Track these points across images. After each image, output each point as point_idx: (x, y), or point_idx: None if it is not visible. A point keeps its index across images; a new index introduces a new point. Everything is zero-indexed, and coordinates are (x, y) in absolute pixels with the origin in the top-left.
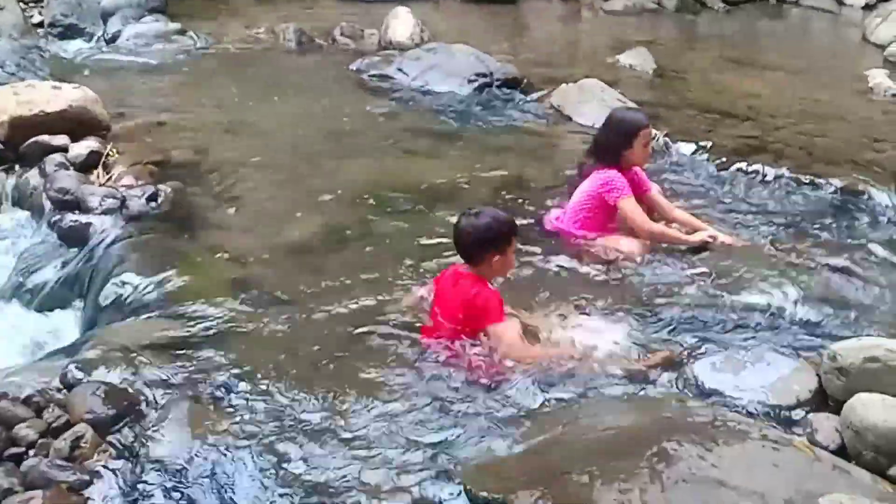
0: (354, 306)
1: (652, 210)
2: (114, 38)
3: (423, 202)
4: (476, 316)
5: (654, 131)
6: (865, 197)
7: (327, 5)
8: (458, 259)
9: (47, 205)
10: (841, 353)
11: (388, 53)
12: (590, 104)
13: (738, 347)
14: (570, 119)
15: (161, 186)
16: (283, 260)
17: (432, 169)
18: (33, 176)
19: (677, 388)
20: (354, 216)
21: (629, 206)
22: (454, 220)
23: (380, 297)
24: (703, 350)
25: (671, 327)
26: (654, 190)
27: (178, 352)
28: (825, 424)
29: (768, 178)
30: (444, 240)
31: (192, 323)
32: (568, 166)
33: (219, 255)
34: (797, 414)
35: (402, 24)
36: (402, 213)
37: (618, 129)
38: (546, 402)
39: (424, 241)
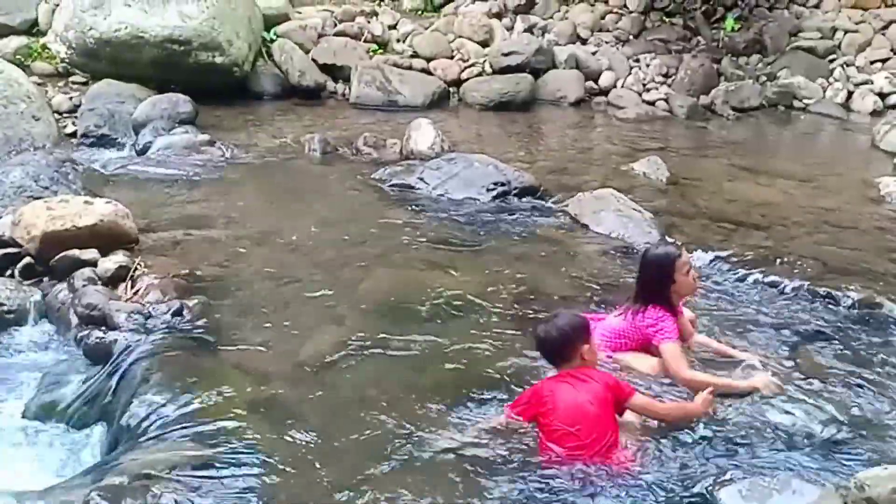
0: (376, 426)
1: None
2: (145, 149)
3: (443, 314)
4: (620, 392)
5: (688, 256)
6: (884, 310)
7: (350, 115)
8: (466, 375)
9: (74, 320)
10: (868, 482)
11: (410, 163)
12: (606, 213)
13: (764, 472)
14: (587, 228)
15: (186, 301)
16: (304, 377)
17: (451, 279)
18: (62, 290)
19: None
20: (375, 329)
21: (672, 353)
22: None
23: (401, 415)
24: (728, 476)
25: (696, 447)
26: (685, 314)
27: (199, 477)
28: None
29: (786, 290)
30: (463, 353)
31: (213, 446)
32: (587, 274)
33: (241, 372)
34: None
35: (422, 134)
36: (422, 325)
37: (656, 268)
38: None
39: (444, 354)
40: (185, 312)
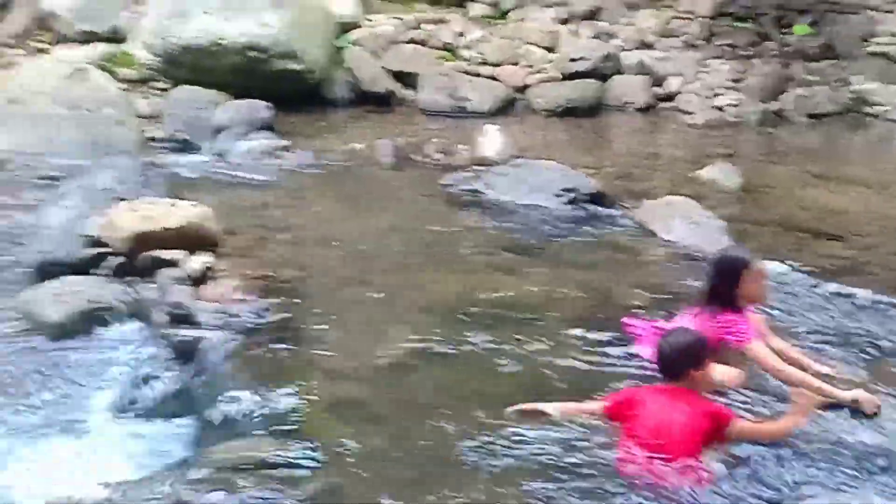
0: (446, 428)
1: None
2: (224, 154)
3: (513, 319)
4: (720, 419)
5: (760, 263)
6: None
7: (419, 121)
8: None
9: (161, 317)
10: None
11: (478, 169)
12: (675, 220)
13: (844, 492)
14: (655, 235)
15: (266, 301)
16: (377, 378)
17: (520, 284)
18: (149, 289)
19: None
20: (446, 332)
21: (761, 351)
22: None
23: (470, 419)
24: (807, 494)
25: (775, 462)
26: (755, 319)
27: (281, 474)
28: None
29: (864, 303)
30: (531, 359)
31: (293, 444)
32: (656, 282)
33: (318, 371)
34: None
35: (490, 140)
36: (493, 329)
37: (727, 274)
38: None
39: (513, 360)
40: (265, 312)
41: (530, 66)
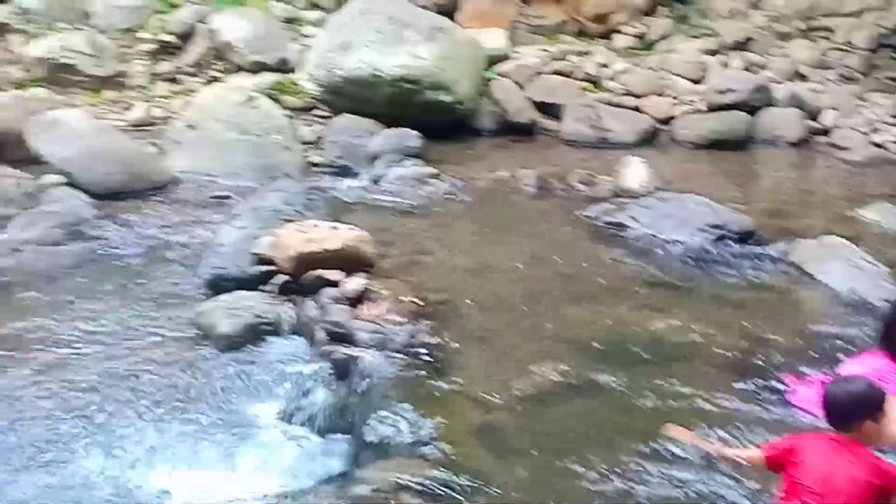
0: (588, 462)
1: None
2: (378, 179)
3: (657, 356)
4: (889, 483)
5: None
6: None
7: (562, 151)
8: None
9: (321, 335)
10: None
11: (621, 201)
12: (833, 262)
13: None
14: (811, 277)
15: (417, 325)
16: (521, 408)
17: (665, 321)
18: (310, 307)
19: None
20: (587, 365)
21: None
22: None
23: (611, 455)
24: None
25: None
26: None
27: (432, 497)
28: None
29: None
30: (677, 399)
31: (441, 469)
32: (812, 329)
33: (464, 398)
34: None
35: (634, 172)
36: (636, 365)
37: None
38: None
39: (658, 398)
40: (415, 335)
41: (676, 98)
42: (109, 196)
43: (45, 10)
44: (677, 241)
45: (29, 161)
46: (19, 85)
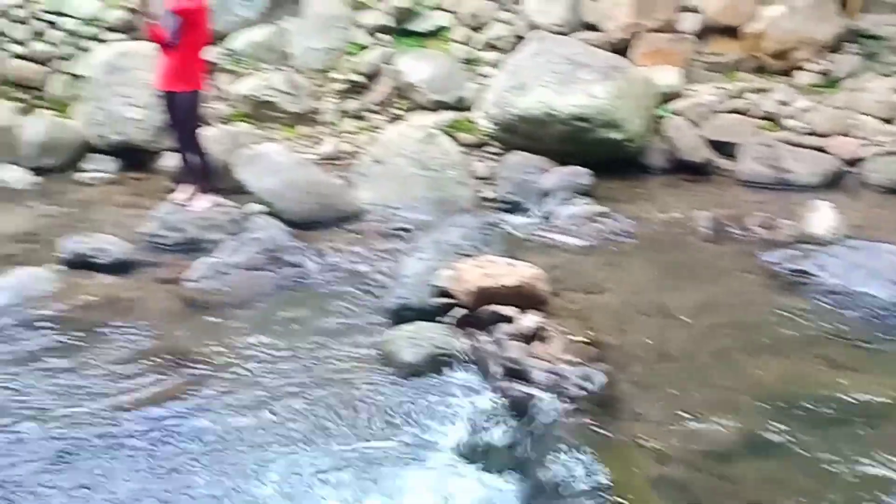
0: None
1: None
2: (549, 217)
3: (848, 417)
4: None
5: None
6: None
7: (738, 192)
8: None
9: (496, 370)
10: None
11: (805, 247)
12: None
13: None
14: None
15: (591, 366)
16: (700, 461)
17: (854, 381)
18: (486, 341)
19: None
20: (772, 421)
21: None
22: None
23: None
24: None
25: None
26: None
27: None
28: None
29: None
30: (876, 467)
31: None
32: None
33: (640, 448)
34: None
35: (819, 216)
36: (825, 426)
37: None
38: None
39: (858, 464)
40: (591, 378)
41: (864, 138)
42: (303, 225)
43: (251, 52)
44: (869, 293)
45: (235, 190)
46: (226, 120)
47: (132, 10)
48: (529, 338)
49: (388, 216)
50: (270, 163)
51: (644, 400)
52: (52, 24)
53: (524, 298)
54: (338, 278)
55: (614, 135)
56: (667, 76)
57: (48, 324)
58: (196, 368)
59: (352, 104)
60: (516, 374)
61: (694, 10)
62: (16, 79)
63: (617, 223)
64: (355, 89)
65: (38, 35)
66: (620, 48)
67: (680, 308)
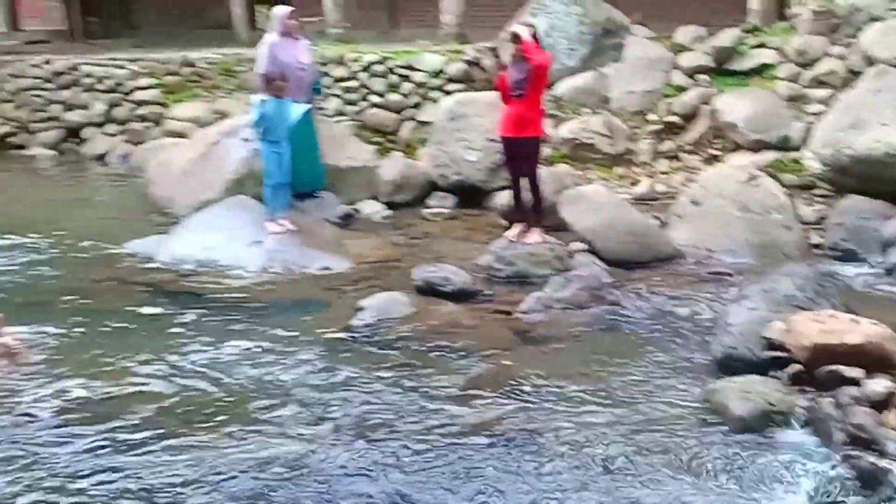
0: None
1: None
2: (892, 270)
3: None
4: None
5: None
6: None
7: None
8: None
9: (838, 436)
10: None
11: None
12: None
13: None
14: None
15: None
16: None
17: None
18: (826, 404)
19: None
20: None
21: None
22: None
23: None
24: None
25: None
26: None
27: None
28: None
29: None
30: None
31: None
32: None
33: None
34: None
35: None
36: None
37: None
38: None
39: None
40: None
41: None
42: (622, 264)
43: (572, 97)
44: None
45: (558, 227)
46: (549, 161)
47: (469, 63)
48: (879, 404)
49: (705, 258)
50: (592, 203)
51: None
52: (405, 77)
53: (870, 359)
54: (657, 320)
55: None
56: None
57: (403, 343)
58: (525, 398)
59: (667, 145)
60: (863, 442)
61: None
62: (374, 125)
63: None
64: (671, 130)
65: (393, 87)
66: None
67: None
